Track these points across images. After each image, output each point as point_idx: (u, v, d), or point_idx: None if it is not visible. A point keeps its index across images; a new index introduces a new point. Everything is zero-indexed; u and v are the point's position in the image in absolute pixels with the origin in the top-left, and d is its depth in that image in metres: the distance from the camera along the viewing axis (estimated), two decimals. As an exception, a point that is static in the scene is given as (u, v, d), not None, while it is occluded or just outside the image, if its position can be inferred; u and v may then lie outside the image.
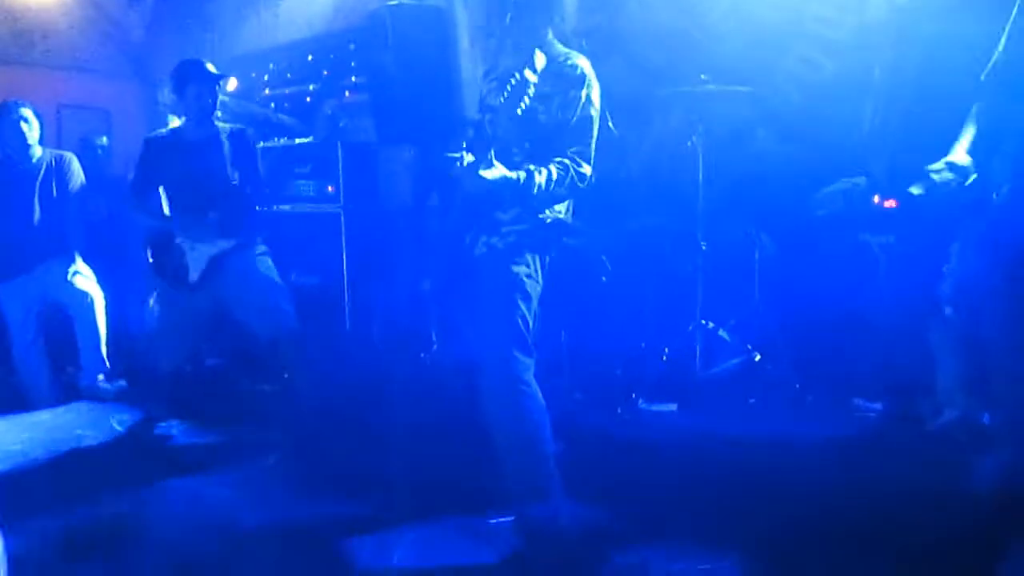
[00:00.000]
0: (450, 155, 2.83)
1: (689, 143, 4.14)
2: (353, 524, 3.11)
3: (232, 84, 5.87)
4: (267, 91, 6.52)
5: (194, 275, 3.98)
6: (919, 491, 2.94)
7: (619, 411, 3.77)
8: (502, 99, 2.67)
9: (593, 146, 2.91)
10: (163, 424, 4.29)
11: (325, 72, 6.21)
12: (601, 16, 5.07)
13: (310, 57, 6.26)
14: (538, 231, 2.90)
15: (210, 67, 4.01)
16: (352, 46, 5.94)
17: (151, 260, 4.12)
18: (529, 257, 2.89)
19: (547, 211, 2.92)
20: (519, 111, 2.65)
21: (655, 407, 3.83)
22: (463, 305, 3.05)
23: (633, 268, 4.22)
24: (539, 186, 2.76)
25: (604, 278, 4.11)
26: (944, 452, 3.23)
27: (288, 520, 3.19)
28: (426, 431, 3.59)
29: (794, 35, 4.46)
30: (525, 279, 2.86)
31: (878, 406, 3.75)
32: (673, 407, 3.84)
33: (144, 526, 3.15)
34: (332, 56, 6.14)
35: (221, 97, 4.14)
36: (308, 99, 6.17)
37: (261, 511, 3.27)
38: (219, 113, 4.13)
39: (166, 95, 5.92)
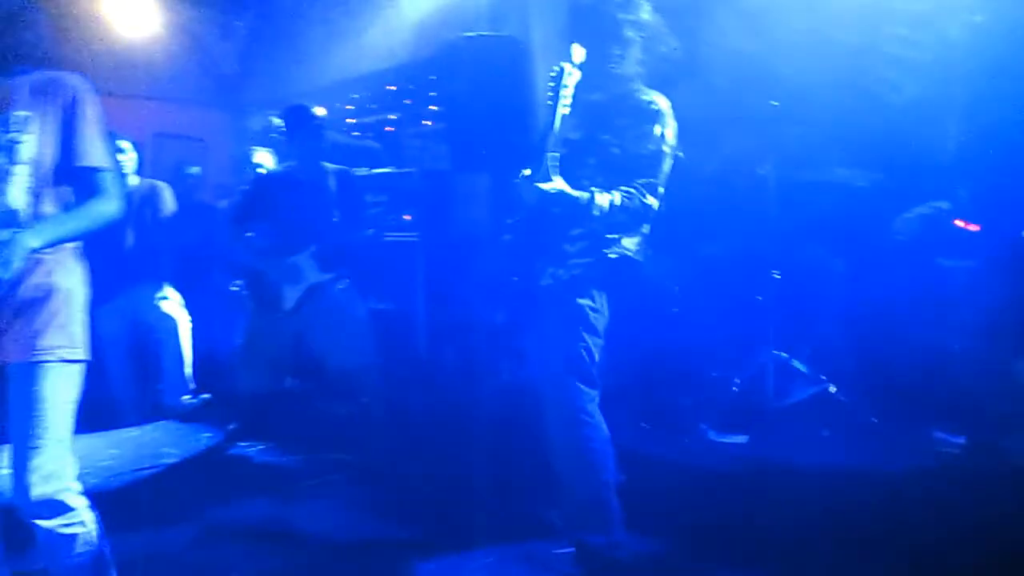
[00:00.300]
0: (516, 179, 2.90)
1: (760, 169, 4.07)
2: (417, 549, 3.18)
3: (320, 112, 6.10)
4: (351, 120, 6.70)
5: (289, 303, 4.17)
6: (1003, 529, 2.82)
7: (687, 441, 3.72)
8: (548, 102, 2.72)
9: (662, 181, 2.92)
10: (243, 443, 4.46)
11: (406, 101, 6.36)
12: (673, 40, 5.06)
13: (392, 87, 6.42)
14: (604, 265, 2.92)
15: (319, 112, 4.29)
16: (432, 76, 6.06)
17: (247, 286, 4.33)
18: (594, 291, 2.90)
19: (614, 246, 2.93)
20: (559, 107, 2.68)
21: (725, 438, 3.76)
22: (530, 335, 3.08)
23: (704, 297, 4.17)
24: (600, 208, 2.78)
25: (675, 308, 4.08)
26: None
27: (355, 542, 3.28)
28: (495, 458, 3.64)
29: (872, 56, 4.36)
30: (589, 311, 2.88)
31: (961, 439, 3.60)
32: (744, 439, 3.77)
33: (218, 541, 3.27)
34: (412, 86, 6.28)
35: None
36: (388, 128, 6.31)
37: (330, 531, 3.37)
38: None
39: (273, 124, 6.21)
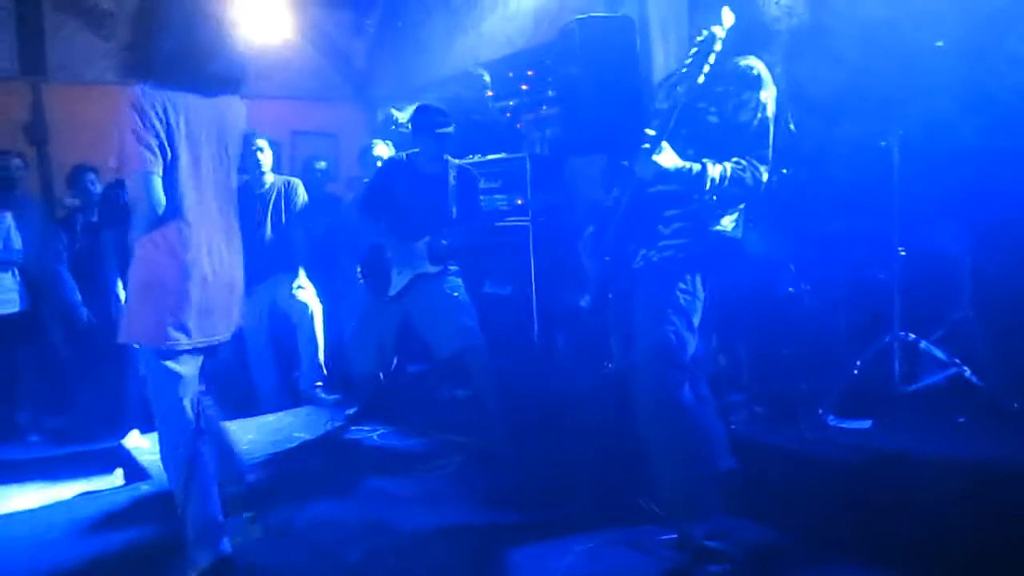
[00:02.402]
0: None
1: (883, 143, 3.85)
2: (523, 532, 3.21)
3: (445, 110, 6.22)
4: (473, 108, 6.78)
5: (394, 289, 4.33)
6: None
7: (804, 427, 3.57)
8: (684, 69, 2.65)
9: (770, 151, 2.81)
10: (367, 428, 4.64)
11: (524, 87, 6.38)
12: (803, 13, 4.85)
13: (510, 74, 6.45)
14: (697, 246, 2.85)
15: (443, 110, 4.43)
16: (548, 61, 6.06)
17: (363, 272, 4.52)
18: (687, 273, 2.84)
19: (709, 225, 2.86)
20: (701, 78, 2.60)
21: (846, 424, 3.59)
22: (627, 318, 3.05)
23: (823, 275, 3.99)
24: (712, 180, 2.71)
25: (791, 288, 3.92)
26: None
27: (462, 525, 3.35)
28: (603, 443, 3.63)
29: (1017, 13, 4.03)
30: (680, 294, 2.82)
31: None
32: (867, 424, 3.58)
33: (336, 521, 3.42)
34: (530, 72, 6.29)
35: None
36: (508, 114, 6.36)
37: (440, 514, 3.46)
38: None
39: (393, 117, 6.41)
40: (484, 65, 6.64)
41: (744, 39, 2.80)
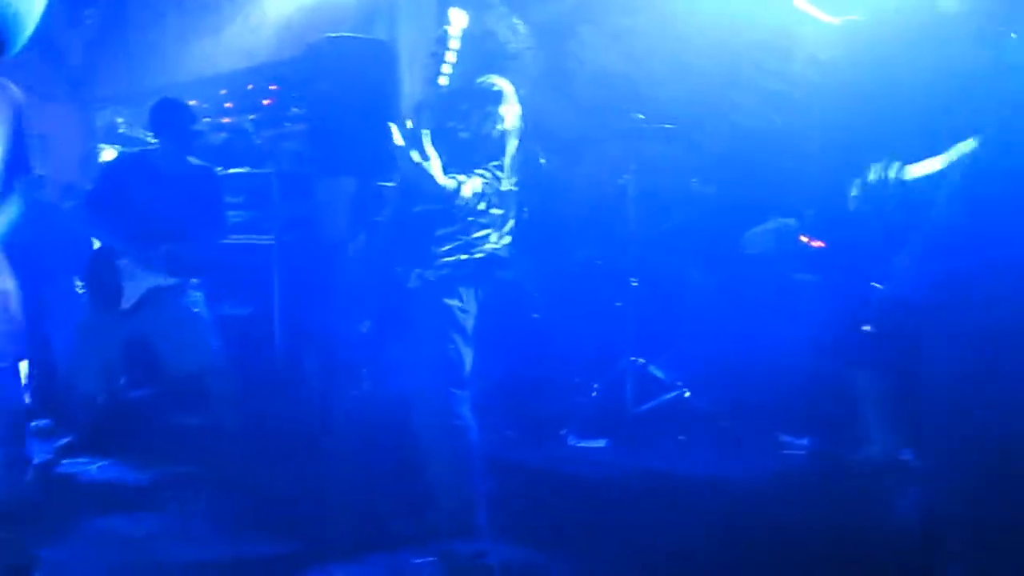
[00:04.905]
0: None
1: (621, 179, 4.18)
2: (279, 563, 3.07)
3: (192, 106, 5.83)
4: (207, 119, 6.43)
5: (127, 303, 3.94)
6: (841, 526, 2.97)
7: (549, 448, 3.75)
8: (426, 73, 2.66)
9: (510, 163, 2.93)
10: (84, 459, 4.17)
11: (265, 102, 6.17)
12: (543, 54, 5.14)
13: (250, 87, 6.21)
14: (471, 264, 2.91)
15: (191, 105, 4.15)
16: (294, 77, 5.91)
17: (86, 281, 4.06)
18: (462, 290, 2.89)
19: (482, 244, 2.93)
20: (442, 80, 2.62)
21: (585, 443, 3.82)
22: (396, 339, 3.03)
23: (565, 303, 4.24)
24: (468, 197, 2.77)
25: (535, 314, 4.12)
26: (865, 488, 3.28)
27: (212, 560, 3.12)
28: (354, 467, 3.55)
29: (731, 83, 4.58)
30: (458, 312, 2.86)
31: (804, 442, 3.80)
32: (603, 443, 3.83)
33: (61, 566, 3.04)
34: (273, 86, 6.10)
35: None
36: (248, 129, 6.11)
37: (185, 549, 3.19)
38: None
39: (118, 120, 5.87)
40: (223, 76, 6.34)
41: (485, 61, 2.96)
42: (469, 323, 2.90)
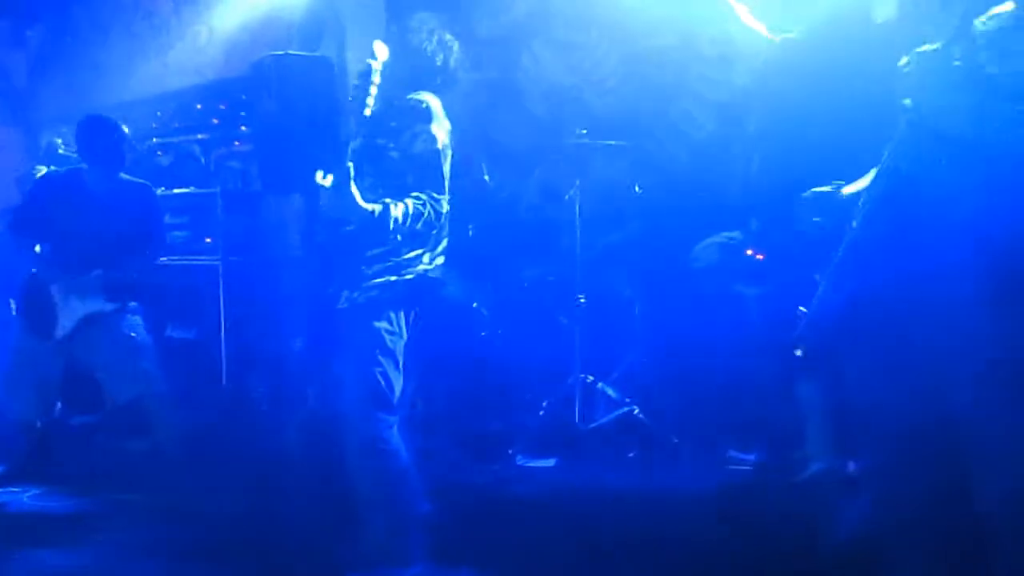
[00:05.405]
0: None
1: (567, 196, 4.17)
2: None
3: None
4: (154, 139, 6.34)
5: (62, 330, 3.84)
6: (788, 541, 2.96)
7: (496, 468, 3.70)
8: (351, 100, 2.65)
9: (446, 181, 2.89)
10: (16, 488, 4.03)
11: (215, 121, 6.10)
12: (492, 69, 5.14)
13: (199, 106, 6.14)
14: (401, 286, 2.86)
15: (123, 126, 4.01)
16: (243, 96, 5.85)
17: (19, 305, 3.95)
18: (391, 313, 2.84)
19: (412, 266, 2.88)
20: (367, 109, 2.60)
21: (533, 462, 3.78)
22: (327, 362, 2.97)
23: (512, 320, 4.20)
24: (395, 219, 2.72)
25: (483, 332, 4.08)
26: (811, 502, 3.28)
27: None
28: (297, 493, 3.46)
29: (677, 94, 4.59)
30: (386, 335, 2.80)
31: (751, 457, 3.79)
32: (551, 462, 3.79)
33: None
34: (222, 105, 6.04)
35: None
36: (196, 148, 6.03)
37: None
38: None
39: (57, 141, 5.74)
40: (171, 95, 6.26)
41: (414, 78, 2.93)
42: (399, 346, 2.84)
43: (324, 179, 2.67)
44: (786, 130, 3.87)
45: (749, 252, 3.96)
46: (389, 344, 2.80)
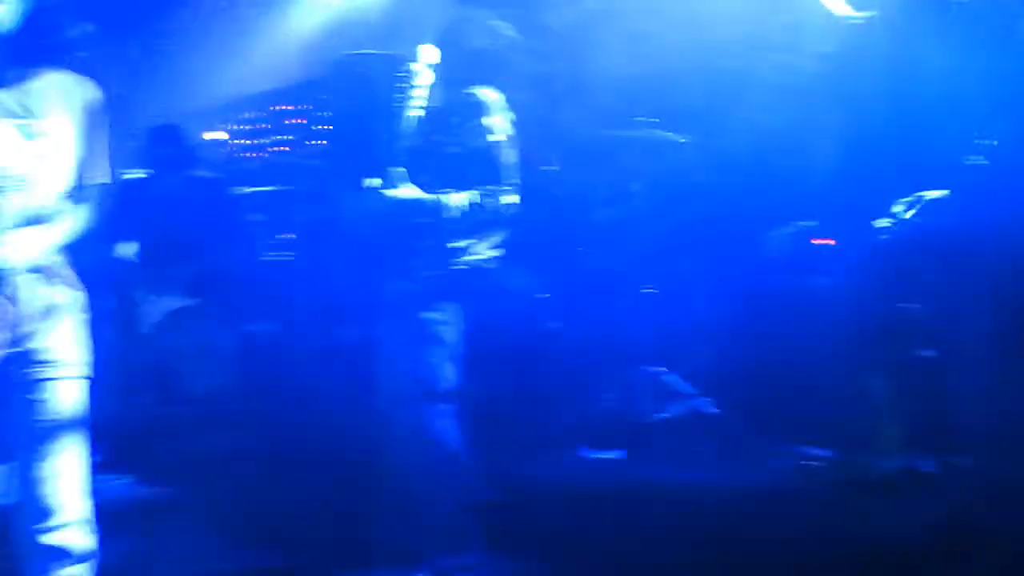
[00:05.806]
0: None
1: (635, 186, 4.13)
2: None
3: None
4: (241, 140, 6.57)
5: (145, 327, 4.02)
6: (860, 539, 2.91)
7: (561, 459, 3.70)
8: (396, 103, 2.73)
9: (509, 174, 2.91)
10: (108, 476, 4.22)
11: (297, 121, 6.28)
12: (561, 61, 5.13)
13: (281, 106, 6.33)
14: (452, 277, 2.89)
15: (189, 130, 4.31)
16: (322, 96, 5.99)
17: (107, 304, 4.15)
18: (443, 303, 2.87)
19: (463, 256, 2.91)
20: (407, 110, 2.66)
21: (599, 455, 3.76)
22: (378, 352, 3.03)
23: (579, 311, 4.19)
24: (455, 209, 2.75)
25: (549, 323, 4.08)
26: (886, 500, 3.18)
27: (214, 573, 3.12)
28: (351, 482, 3.51)
29: (749, 83, 4.50)
30: (438, 325, 2.84)
31: (826, 453, 3.68)
32: (618, 455, 3.76)
33: None
34: (305, 105, 6.21)
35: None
36: (281, 148, 6.23)
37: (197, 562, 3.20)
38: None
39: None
40: (254, 98, 6.47)
41: (470, 71, 2.93)
42: (451, 336, 2.87)
43: (391, 174, 2.73)
44: (858, 117, 3.76)
45: (821, 241, 3.85)
46: (440, 334, 2.83)
